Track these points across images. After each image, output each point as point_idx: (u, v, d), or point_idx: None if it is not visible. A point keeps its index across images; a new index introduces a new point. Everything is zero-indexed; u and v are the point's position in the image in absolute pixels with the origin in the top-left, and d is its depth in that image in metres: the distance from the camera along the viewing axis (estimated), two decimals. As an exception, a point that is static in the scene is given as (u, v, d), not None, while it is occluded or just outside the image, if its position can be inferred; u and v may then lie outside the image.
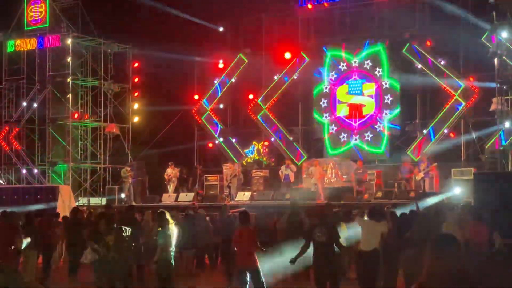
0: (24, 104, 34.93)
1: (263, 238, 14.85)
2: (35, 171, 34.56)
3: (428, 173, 26.21)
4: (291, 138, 33.73)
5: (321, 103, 33.51)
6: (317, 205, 21.78)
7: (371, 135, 32.09)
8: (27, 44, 34.87)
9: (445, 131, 30.17)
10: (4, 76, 35.55)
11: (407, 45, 30.89)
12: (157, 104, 34.88)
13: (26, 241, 14.07)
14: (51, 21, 34.60)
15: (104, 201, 31.42)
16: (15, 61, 35.46)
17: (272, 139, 34.20)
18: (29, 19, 35.04)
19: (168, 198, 29.87)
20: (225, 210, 19.92)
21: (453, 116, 29.95)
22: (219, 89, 35.84)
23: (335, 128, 33.05)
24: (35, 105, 34.66)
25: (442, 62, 30.22)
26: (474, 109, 29.94)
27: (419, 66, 30.86)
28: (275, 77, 34.35)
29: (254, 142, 34.45)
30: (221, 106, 36.26)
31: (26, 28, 35.11)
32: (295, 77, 34.19)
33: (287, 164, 29.31)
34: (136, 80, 35.92)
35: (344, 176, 29.12)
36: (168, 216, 13.92)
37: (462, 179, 25.99)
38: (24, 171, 34.62)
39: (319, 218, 13.06)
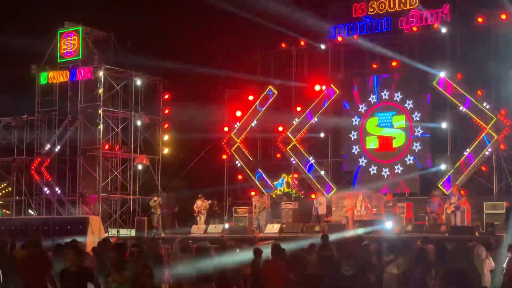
0: (56, 135, 35.25)
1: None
2: (63, 199, 34.70)
3: (459, 207, 25.86)
4: (321, 172, 33.62)
5: (350, 135, 33.43)
6: (347, 238, 21.59)
7: (401, 168, 31.89)
8: (59, 76, 35.29)
9: (477, 164, 29.86)
10: (37, 108, 35.98)
11: (437, 78, 30.75)
12: (187, 136, 35.01)
13: None
14: (83, 54, 35.04)
15: (133, 232, 31.47)
16: (48, 93, 35.88)
17: (304, 168, 34.13)
18: (62, 51, 35.49)
19: (197, 229, 29.83)
20: (254, 242, 19.77)
21: (485, 149, 29.64)
22: (249, 121, 35.87)
23: (365, 161, 32.92)
24: (66, 136, 34.96)
25: (473, 95, 30.02)
26: (506, 142, 29.64)
27: (450, 98, 30.70)
28: (305, 110, 34.37)
29: (283, 175, 34.36)
30: (251, 138, 36.27)
31: (59, 60, 35.57)
32: (325, 109, 34.20)
33: (316, 196, 29.21)
34: (166, 111, 36.13)
35: (373, 209, 28.89)
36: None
37: (494, 213, 25.67)
38: (53, 201, 34.82)
39: (347, 251, 12.84)
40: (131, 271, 11.62)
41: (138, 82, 35.08)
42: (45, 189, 34.94)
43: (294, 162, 34.28)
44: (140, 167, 34.89)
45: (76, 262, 11.29)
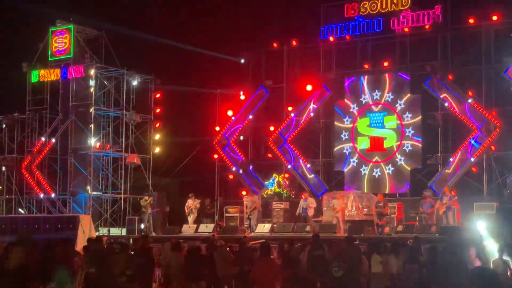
0: (47, 134, 35.13)
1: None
2: (53, 197, 34.57)
3: (450, 207, 25.96)
4: (312, 172, 33.65)
5: (342, 135, 33.47)
6: (338, 239, 21.61)
7: (392, 168, 31.95)
8: (51, 75, 35.15)
9: (467, 164, 29.95)
10: (28, 106, 35.83)
11: (428, 78, 30.82)
12: (178, 135, 34.97)
13: None
14: (75, 52, 34.92)
15: (124, 231, 31.41)
16: (39, 91, 35.74)
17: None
18: (53, 49, 35.37)
19: (188, 229, 29.81)
20: (245, 242, 19.76)
21: (475, 150, 29.74)
22: (240, 120, 35.86)
23: (356, 161, 32.96)
24: (57, 135, 34.85)
25: (464, 96, 30.11)
26: (496, 143, 29.74)
27: (441, 99, 30.78)
28: (296, 109, 34.37)
29: (274, 174, 34.37)
30: (242, 137, 36.25)
31: (50, 59, 35.43)
32: (316, 109, 34.22)
33: (305, 197, 29.11)
34: (158, 111, 36.06)
35: (364, 209, 28.91)
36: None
37: (484, 213, 25.72)
38: (44, 199, 34.70)
39: (338, 250, 12.84)
40: (61, 280, 10.70)
41: (130, 81, 35.00)
42: (36, 187, 34.81)
43: (285, 162, 34.29)
44: (131, 166, 34.80)
45: (17, 260, 10.38)
